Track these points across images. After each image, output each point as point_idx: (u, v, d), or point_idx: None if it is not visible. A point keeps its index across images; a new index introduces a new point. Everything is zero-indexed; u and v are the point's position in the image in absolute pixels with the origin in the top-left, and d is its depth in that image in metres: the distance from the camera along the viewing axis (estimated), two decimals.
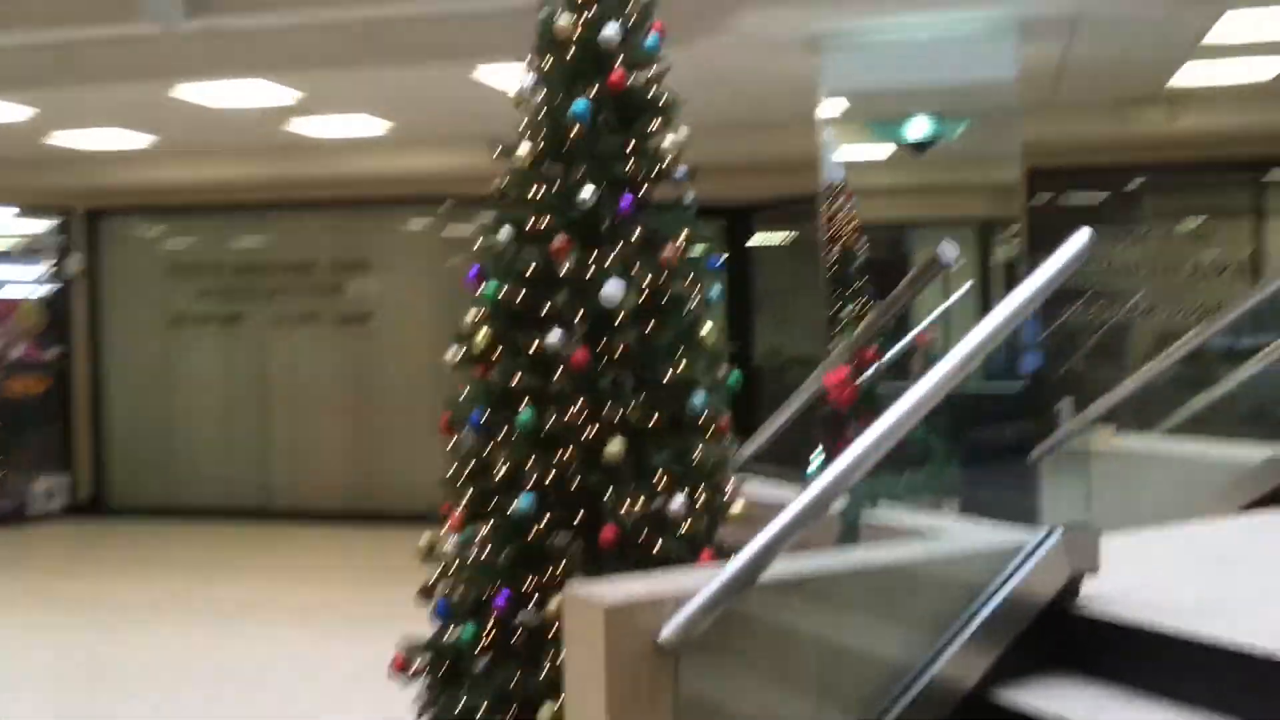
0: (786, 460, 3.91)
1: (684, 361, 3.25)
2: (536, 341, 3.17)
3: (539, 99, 3.36)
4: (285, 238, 10.44)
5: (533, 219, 3.26)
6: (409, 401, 10.08)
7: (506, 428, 3.20)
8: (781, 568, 2.29)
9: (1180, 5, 5.64)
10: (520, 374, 3.21)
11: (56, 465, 10.71)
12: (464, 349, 3.35)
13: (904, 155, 6.11)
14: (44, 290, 10.86)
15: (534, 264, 3.22)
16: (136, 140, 9.06)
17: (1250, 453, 4.43)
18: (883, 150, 6.44)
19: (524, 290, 3.23)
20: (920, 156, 5.94)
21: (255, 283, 10.48)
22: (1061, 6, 5.57)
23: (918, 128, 5.85)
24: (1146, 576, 2.90)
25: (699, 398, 3.27)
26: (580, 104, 3.25)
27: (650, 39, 3.39)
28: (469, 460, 3.32)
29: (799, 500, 2.29)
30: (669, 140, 3.34)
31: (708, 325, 3.32)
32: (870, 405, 3.75)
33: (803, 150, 6.42)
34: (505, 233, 3.32)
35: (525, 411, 3.15)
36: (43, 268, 10.86)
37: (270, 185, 9.98)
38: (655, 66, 3.38)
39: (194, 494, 10.66)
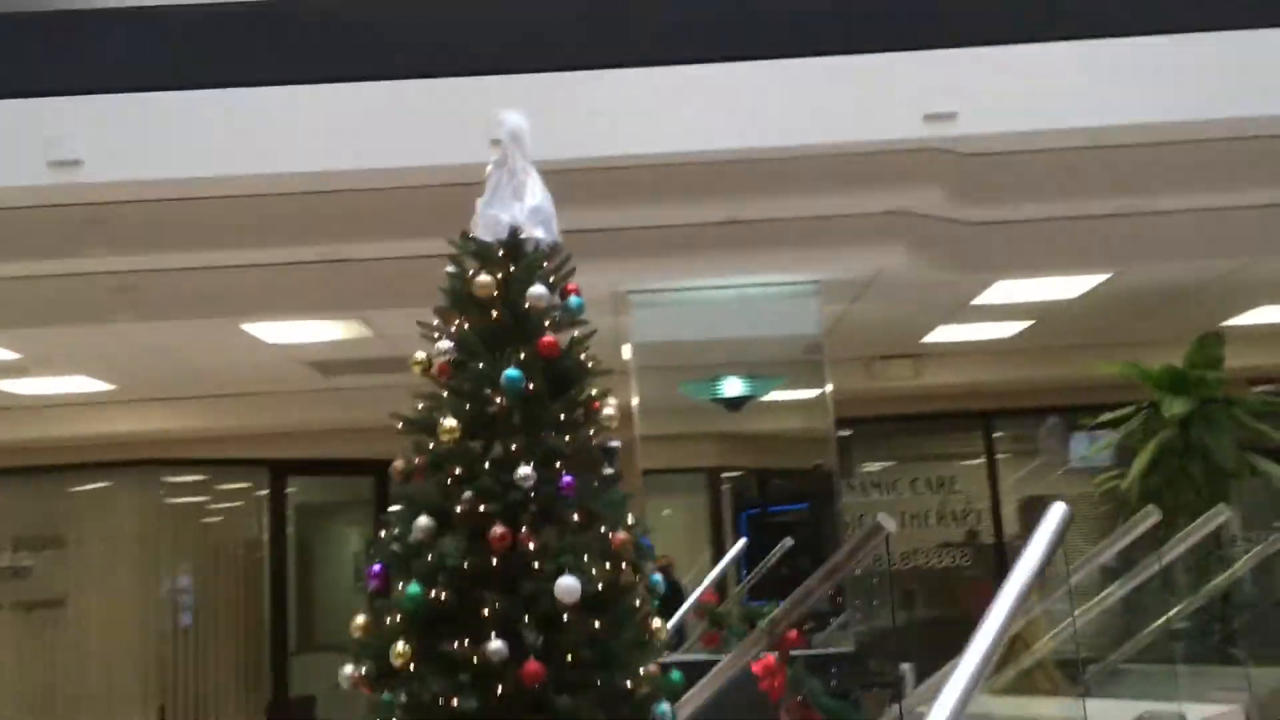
0: None
1: (642, 667, 2.79)
2: (473, 653, 2.63)
3: (452, 366, 2.92)
4: None
5: (459, 504, 2.76)
6: (112, 698, 8.69)
7: None
8: None
9: (961, 273, 5.98)
10: (454, 695, 2.62)
11: None
12: (366, 667, 2.74)
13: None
14: None
15: (464, 558, 2.70)
16: None
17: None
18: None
19: (450, 590, 2.70)
20: (736, 411, 5.88)
21: None
22: (863, 271, 5.76)
23: (732, 387, 5.81)
24: None
25: (662, 708, 2.80)
26: (512, 372, 2.85)
27: (574, 299, 3.07)
28: None
29: None
30: (608, 409, 2.97)
31: (656, 621, 2.89)
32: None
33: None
34: (422, 523, 2.78)
35: None
36: None
37: None
38: (579, 329, 3.05)
39: None
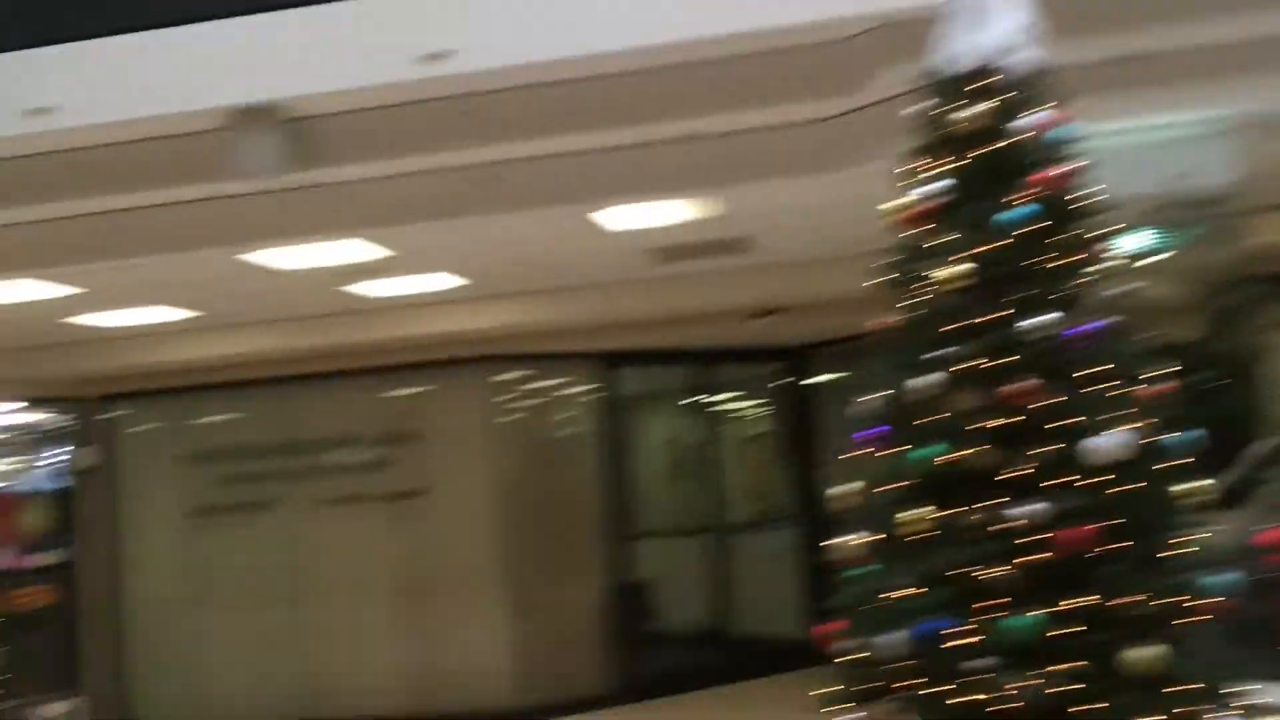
0: None
1: (1184, 532, 2.50)
2: (995, 518, 2.41)
3: (946, 209, 2.67)
4: (324, 411, 9.53)
5: (964, 360, 2.53)
6: (470, 586, 9.13)
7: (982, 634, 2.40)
8: None
9: None
10: (977, 563, 2.43)
11: (69, 686, 9.46)
12: (878, 535, 2.58)
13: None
14: (52, 487, 9.77)
15: (978, 416, 2.48)
16: (171, 316, 8.22)
17: None
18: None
19: (968, 450, 2.48)
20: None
21: (292, 464, 9.51)
22: None
23: (1140, 239, 5.28)
24: None
25: (1212, 577, 2.51)
26: (1016, 212, 2.57)
27: (1067, 126, 2.74)
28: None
29: None
30: (1120, 247, 2.66)
31: (1202, 481, 2.58)
32: None
33: None
34: (930, 380, 2.56)
35: (1026, 616, 2.35)
36: (50, 462, 9.81)
37: (309, 356, 9.13)
38: (1077, 160, 2.72)
39: (228, 706, 9.46)
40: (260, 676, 9.45)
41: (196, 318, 8.40)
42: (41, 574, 9.54)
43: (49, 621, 9.50)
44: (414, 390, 9.41)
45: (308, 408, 9.55)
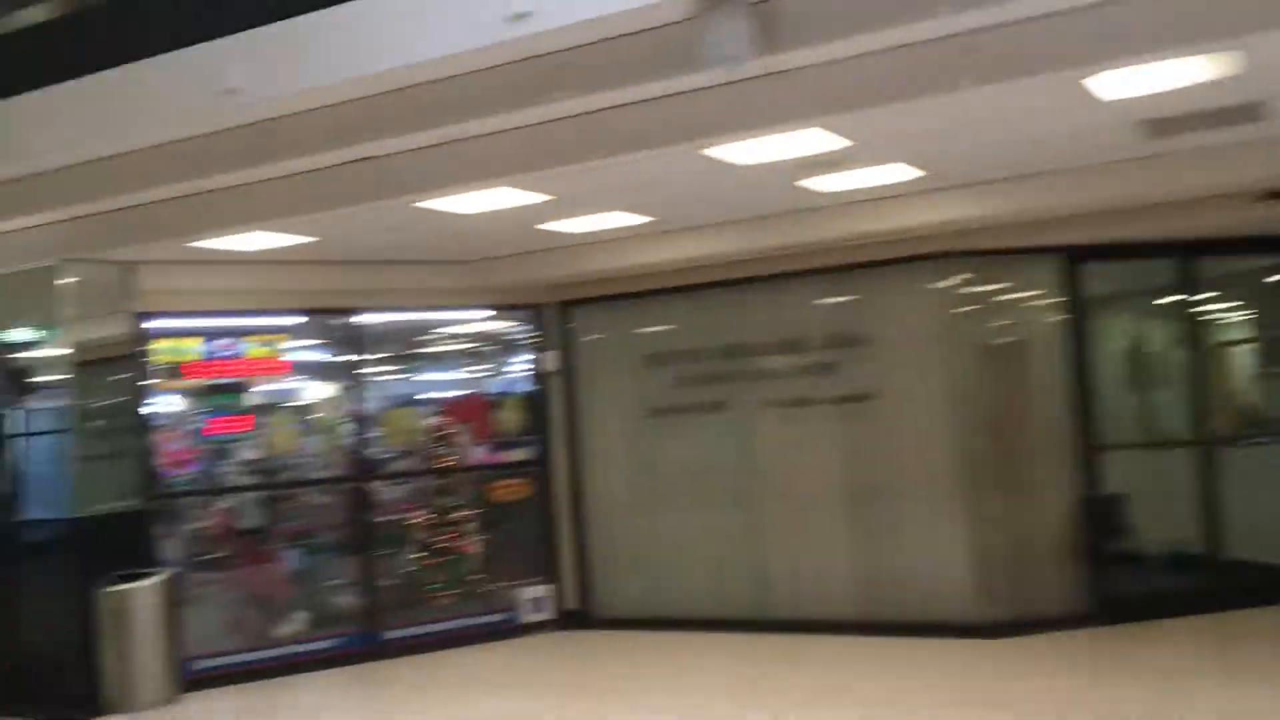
0: None
1: None
2: None
3: None
4: (772, 314, 9.44)
5: None
6: (924, 493, 8.77)
7: None
8: None
9: None
10: None
11: (540, 573, 10.16)
12: None
13: None
14: (522, 390, 10.45)
15: None
16: (627, 221, 8.40)
17: None
18: None
19: None
20: None
21: (741, 366, 9.54)
22: None
23: None
24: None
25: None
26: None
27: None
28: None
29: None
30: None
31: None
32: None
33: None
34: None
35: None
36: (518, 366, 10.49)
37: (758, 258, 9.06)
38: None
39: (682, 603, 9.77)
40: (712, 576, 9.66)
41: (651, 223, 8.55)
42: (517, 469, 10.24)
43: (525, 513, 10.20)
44: (863, 292, 9.08)
45: (757, 310, 9.51)
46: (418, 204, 7.16)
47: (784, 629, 9.14)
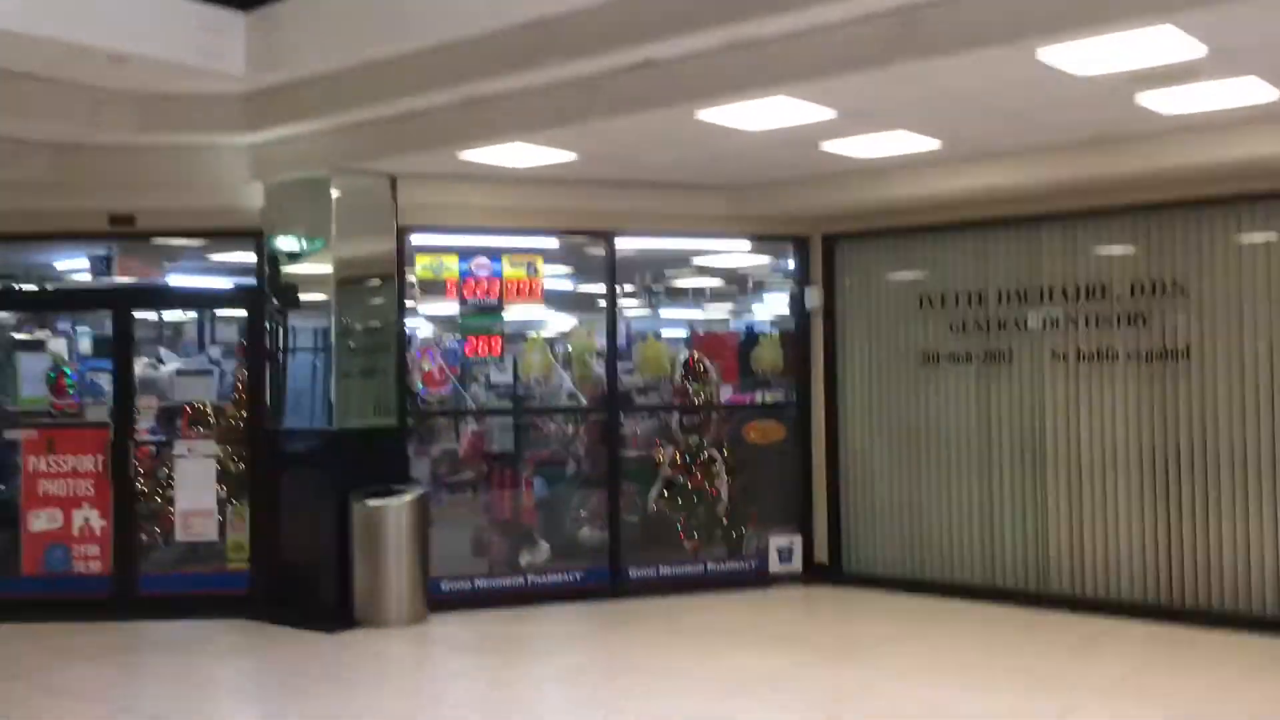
0: None
1: None
2: None
3: None
4: (1066, 255, 8.48)
5: None
6: (1240, 467, 7.70)
7: None
8: None
9: None
10: None
11: (790, 522, 9.62)
12: None
13: None
14: (777, 327, 9.86)
15: None
16: (912, 147, 7.63)
17: None
18: None
19: None
20: None
21: (1029, 313, 8.63)
22: None
23: None
24: None
25: None
26: None
27: None
28: None
29: None
30: None
31: None
32: None
33: None
34: None
35: None
36: (774, 302, 9.89)
37: (1054, 192, 8.13)
38: None
39: (944, 567, 9.03)
40: (984, 542, 8.87)
41: (934, 151, 7.76)
42: (771, 410, 9.69)
43: (778, 458, 9.66)
44: (1180, 235, 8.00)
45: (1051, 252, 8.55)
46: (699, 116, 6.61)
47: (1062, 605, 8.30)
